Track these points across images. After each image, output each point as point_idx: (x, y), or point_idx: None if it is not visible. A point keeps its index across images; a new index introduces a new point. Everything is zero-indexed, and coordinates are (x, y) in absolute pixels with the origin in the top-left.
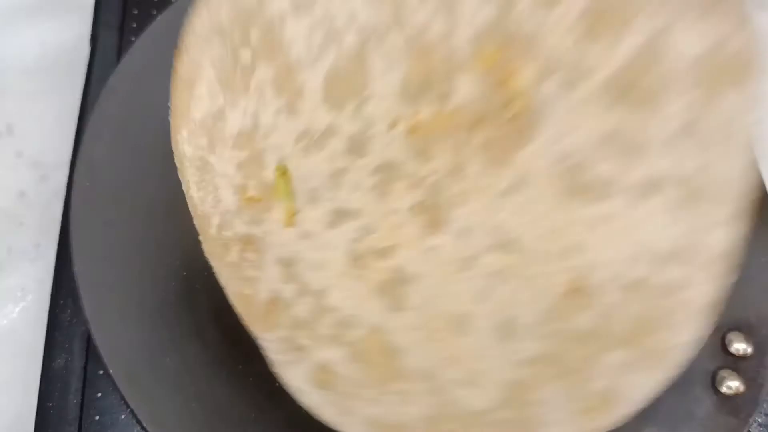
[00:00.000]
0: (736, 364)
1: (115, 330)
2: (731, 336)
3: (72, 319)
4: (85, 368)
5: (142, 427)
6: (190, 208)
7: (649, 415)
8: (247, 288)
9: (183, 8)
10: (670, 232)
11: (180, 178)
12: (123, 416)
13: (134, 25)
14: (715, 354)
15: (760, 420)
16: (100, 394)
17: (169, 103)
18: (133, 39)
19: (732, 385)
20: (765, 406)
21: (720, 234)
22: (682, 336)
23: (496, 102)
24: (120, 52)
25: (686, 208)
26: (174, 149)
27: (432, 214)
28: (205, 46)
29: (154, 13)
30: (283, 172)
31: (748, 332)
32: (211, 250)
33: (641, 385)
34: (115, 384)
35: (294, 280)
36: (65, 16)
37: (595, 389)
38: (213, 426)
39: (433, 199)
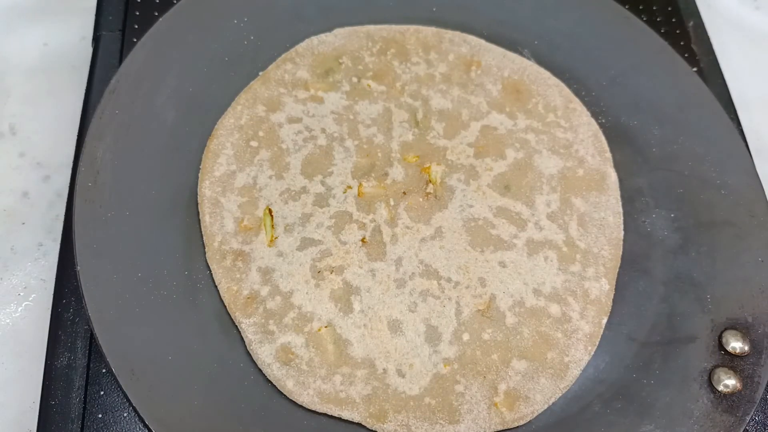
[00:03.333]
0: (733, 362)
1: (117, 328)
2: (728, 335)
3: (75, 317)
4: (87, 366)
5: (145, 425)
6: (201, 228)
7: (646, 412)
8: (234, 285)
9: (184, 10)
10: (554, 279)
11: (199, 209)
12: (125, 414)
13: (136, 27)
14: (712, 352)
15: (757, 418)
16: (102, 392)
17: (170, 105)
18: (135, 40)
19: (729, 383)
20: (761, 404)
21: (592, 286)
22: (574, 355)
23: (419, 182)
24: (122, 53)
25: (564, 265)
26: (198, 191)
27: (373, 247)
28: (229, 135)
29: (156, 14)
30: (269, 211)
31: (744, 331)
32: (212, 257)
33: (542, 390)
34: (118, 382)
35: (269, 283)
36: (67, 17)
37: (503, 389)
38: (215, 423)
39: (374, 238)
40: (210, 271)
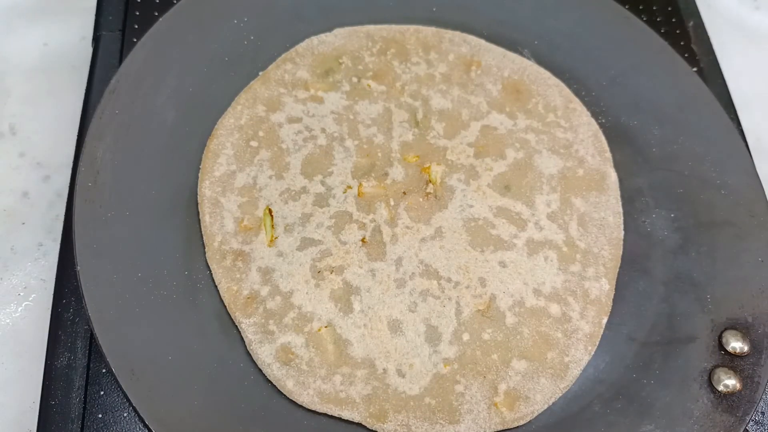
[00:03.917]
0: (733, 362)
1: (117, 328)
2: (728, 335)
3: (75, 317)
4: (87, 366)
5: (144, 425)
6: (201, 228)
7: (646, 412)
8: (234, 285)
9: (184, 10)
10: (554, 279)
11: (199, 209)
12: (125, 414)
13: (136, 27)
14: (712, 352)
15: (756, 418)
16: (102, 392)
17: (170, 105)
18: (134, 40)
19: (729, 383)
20: (761, 404)
21: (592, 286)
22: (574, 355)
23: (419, 182)
24: (122, 53)
25: (564, 265)
26: (198, 191)
27: (373, 247)
28: (229, 135)
29: (156, 15)
30: (269, 211)
31: (744, 331)
32: (212, 257)
33: (542, 390)
34: (118, 382)
35: (269, 283)
36: (68, 17)
37: (503, 389)
38: (215, 423)
39: (374, 238)
40: (210, 271)
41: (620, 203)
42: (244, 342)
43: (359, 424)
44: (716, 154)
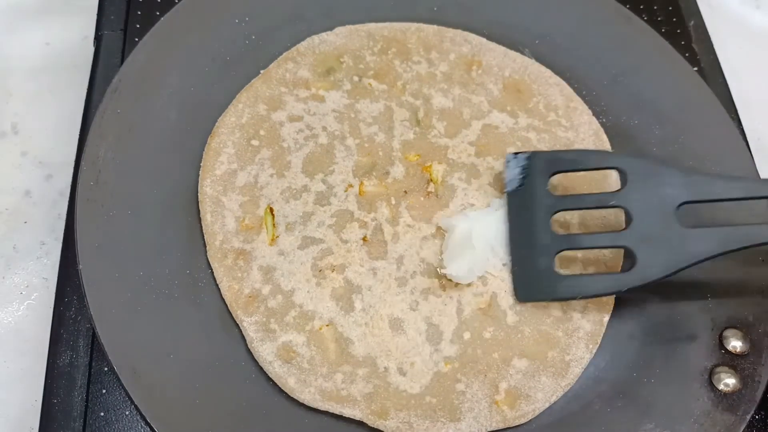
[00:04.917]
0: (733, 361)
1: (119, 327)
2: (728, 334)
3: (77, 316)
4: (89, 365)
5: (146, 423)
6: (203, 227)
7: (647, 411)
8: (236, 284)
9: (185, 10)
10: None
11: (200, 208)
12: (127, 412)
13: (138, 26)
14: (713, 352)
15: (757, 417)
16: (104, 391)
17: (172, 104)
18: (136, 39)
19: (729, 382)
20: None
21: None
22: (575, 354)
23: (420, 180)
24: (124, 52)
25: (566, 263)
26: (199, 190)
27: (375, 246)
28: (230, 134)
29: (158, 14)
30: (270, 210)
31: (745, 330)
32: (213, 255)
33: (543, 388)
34: (120, 380)
35: (270, 282)
36: (70, 17)
37: (504, 387)
38: (216, 421)
39: (375, 237)
40: (211, 269)
41: None
42: (245, 340)
43: (360, 423)
44: (717, 154)
